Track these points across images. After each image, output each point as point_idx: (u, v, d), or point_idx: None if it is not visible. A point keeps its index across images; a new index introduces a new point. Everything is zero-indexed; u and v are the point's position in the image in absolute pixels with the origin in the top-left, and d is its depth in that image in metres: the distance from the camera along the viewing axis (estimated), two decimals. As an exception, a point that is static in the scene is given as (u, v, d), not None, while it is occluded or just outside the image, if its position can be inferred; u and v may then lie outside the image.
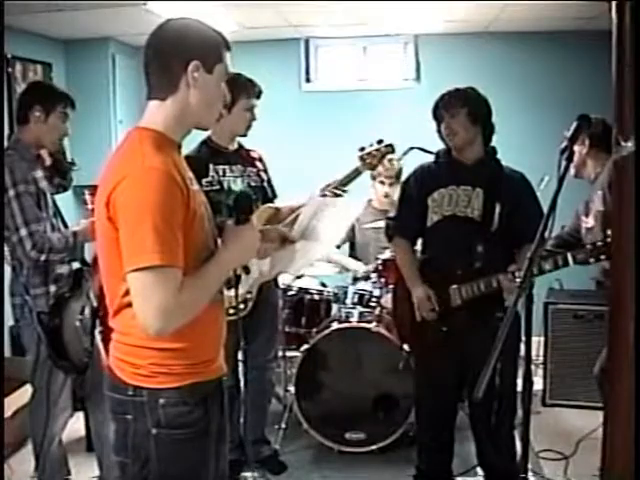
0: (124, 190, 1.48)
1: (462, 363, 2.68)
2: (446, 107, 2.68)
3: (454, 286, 2.66)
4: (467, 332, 2.62)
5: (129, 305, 1.57)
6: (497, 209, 2.61)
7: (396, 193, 4.00)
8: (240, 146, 3.18)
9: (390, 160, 3.72)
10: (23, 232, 2.50)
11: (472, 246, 2.62)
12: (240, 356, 3.19)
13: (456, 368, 2.70)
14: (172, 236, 1.49)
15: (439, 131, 2.74)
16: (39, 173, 2.64)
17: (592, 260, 2.24)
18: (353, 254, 4.13)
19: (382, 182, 3.98)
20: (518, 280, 1.85)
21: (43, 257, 2.55)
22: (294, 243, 2.03)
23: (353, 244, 4.14)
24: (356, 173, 2.97)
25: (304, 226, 2.08)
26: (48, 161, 2.88)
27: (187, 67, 1.57)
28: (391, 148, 2.99)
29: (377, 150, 2.95)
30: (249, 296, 3.02)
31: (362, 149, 2.96)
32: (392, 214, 3.88)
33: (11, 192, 2.51)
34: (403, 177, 3.12)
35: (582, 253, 2.25)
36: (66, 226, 2.80)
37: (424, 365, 2.94)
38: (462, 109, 2.64)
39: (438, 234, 2.73)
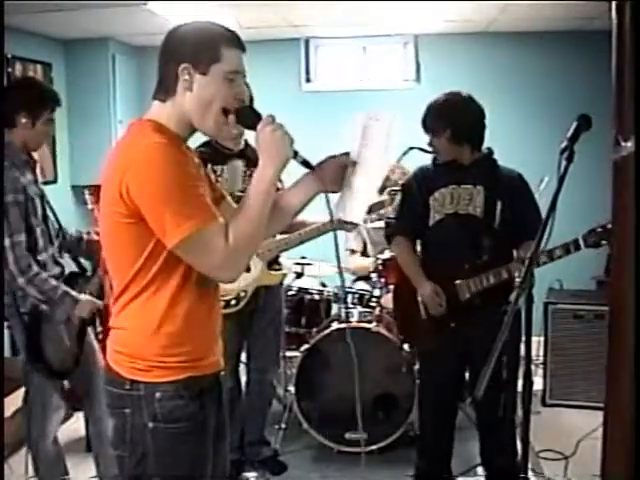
0: (136, 175, 1.50)
1: (466, 360, 2.69)
2: (429, 126, 2.65)
3: (459, 281, 2.66)
4: (474, 327, 2.61)
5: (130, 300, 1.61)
6: (498, 206, 2.63)
7: None
8: (247, 145, 3.02)
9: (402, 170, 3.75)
10: (6, 242, 2.49)
11: (477, 241, 2.64)
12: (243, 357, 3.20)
13: (460, 366, 2.71)
14: (197, 194, 1.53)
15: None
16: (28, 177, 2.63)
17: (604, 242, 2.17)
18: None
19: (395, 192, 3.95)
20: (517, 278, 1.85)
21: (21, 280, 2.49)
22: (355, 166, 1.73)
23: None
24: None
25: (356, 154, 1.77)
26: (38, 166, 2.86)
27: (178, 70, 1.58)
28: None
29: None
30: (242, 294, 3.02)
31: None
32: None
33: None
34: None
35: (593, 236, 2.19)
36: (59, 225, 2.78)
37: (429, 364, 2.93)
38: (445, 131, 2.61)
39: (440, 232, 2.73)
